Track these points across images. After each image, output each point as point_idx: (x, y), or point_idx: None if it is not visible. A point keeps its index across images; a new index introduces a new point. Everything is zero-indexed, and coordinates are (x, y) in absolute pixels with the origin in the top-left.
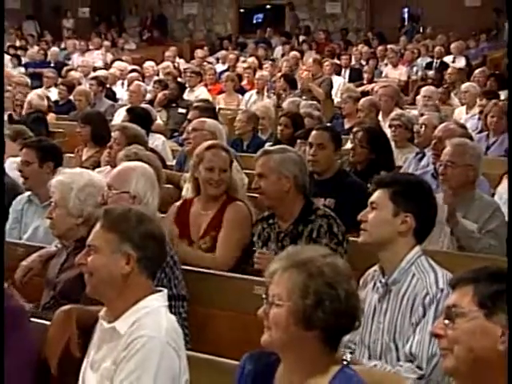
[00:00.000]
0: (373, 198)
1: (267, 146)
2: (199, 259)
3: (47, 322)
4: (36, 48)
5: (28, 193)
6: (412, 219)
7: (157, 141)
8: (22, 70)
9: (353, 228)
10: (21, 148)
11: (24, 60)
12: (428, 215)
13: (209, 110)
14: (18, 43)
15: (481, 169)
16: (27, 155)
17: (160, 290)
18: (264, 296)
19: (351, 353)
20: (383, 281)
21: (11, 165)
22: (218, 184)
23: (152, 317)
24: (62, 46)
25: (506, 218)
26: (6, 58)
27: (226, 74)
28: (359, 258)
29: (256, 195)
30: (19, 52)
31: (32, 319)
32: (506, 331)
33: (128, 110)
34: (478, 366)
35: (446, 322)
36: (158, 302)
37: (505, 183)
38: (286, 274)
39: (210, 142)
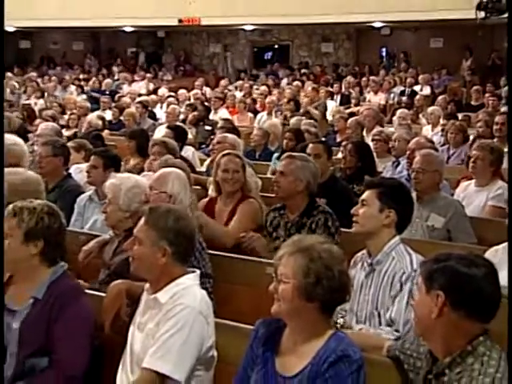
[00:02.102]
0: (363, 196)
1: (275, 156)
2: (215, 226)
3: (103, 294)
4: (95, 79)
5: (89, 192)
6: (394, 214)
7: (188, 151)
8: (84, 96)
9: (342, 222)
10: (91, 154)
11: (86, 89)
12: (407, 211)
13: (232, 129)
14: (81, 76)
15: (444, 174)
16: (95, 161)
17: (194, 271)
18: (274, 275)
19: (342, 317)
20: (369, 261)
21: (75, 170)
22: (233, 182)
23: (188, 291)
24: (115, 77)
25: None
26: (72, 87)
27: (238, 98)
28: (348, 244)
29: (267, 195)
30: (82, 83)
31: (91, 292)
32: (437, 299)
33: (170, 127)
34: (421, 326)
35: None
36: (192, 280)
37: (461, 186)
38: (292, 257)
39: (225, 151)
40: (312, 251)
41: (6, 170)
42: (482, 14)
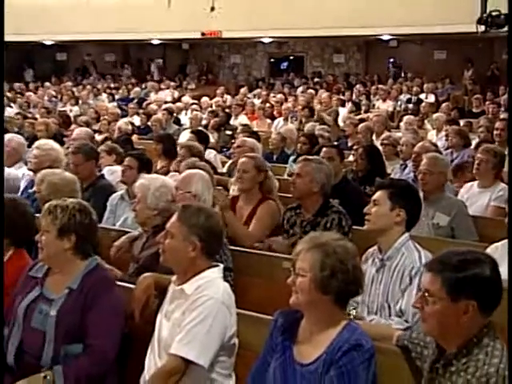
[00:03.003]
0: (375, 196)
1: (292, 158)
2: (238, 227)
3: (132, 286)
4: (124, 88)
5: (121, 192)
6: (404, 213)
7: (210, 154)
8: (115, 104)
9: (353, 220)
10: (122, 157)
11: (116, 97)
12: (415, 210)
13: (252, 134)
14: (112, 85)
15: (448, 176)
16: (131, 162)
17: (218, 265)
18: (292, 269)
19: (355, 309)
20: (380, 257)
21: (108, 171)
22: (241, 180)
23: (212, 283)
24: (143, 86)
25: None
26: (104, 95)
27: (257, 105)
28: (360, 241)
29: (284, 195)
30: (113, 91)
31: (121, 284)
32: (468, 308)
33: (194, 132)
34: (442, 331)
35: (423, 298)
36: (216, 273)
37: (465, 187)
38: (309, 252)
39: (244, 155)
40: (327, 247)
41: (46, 171)
42: (482, 28)
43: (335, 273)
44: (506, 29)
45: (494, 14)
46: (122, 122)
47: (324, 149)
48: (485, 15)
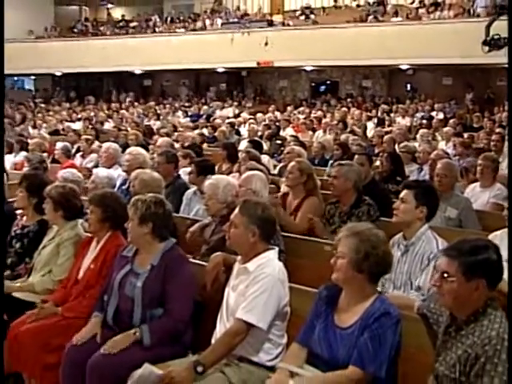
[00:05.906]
0: (402, 194)
1: (330, 162)
2: (288, 220)
3: (205, 264)
4: (196, 106)
5: (193, 188)
6: (426, 209)
7: (264, 159)
8: (188, 119)
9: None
10: (190, 163)
11: (189, 113)
12: (434, 206)
13: (300, 143)
14: (186, 104)
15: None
16: (192, 168)
17: (274, 248)
18: (334, 252)
19: (383, 285)
20: (404, 243)
21: (183, 172)
22: (287, 180)
23: (270, 263)
24: (211, 104)
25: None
26: (179, 112)
27: (301, 120)
28: (385, 230)
29: (324, 192)
30: (187, 109)
31: (195, 261)
32: (479, 286)
33: (250, 141)
34: (457, 304)
35: (442, 278)
36: (272, 254)
37: (469, 187)
38: (348, 239)
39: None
40: (362, 235)
41: (139, 170)
42: (486, 49)
43: (368, 256)
44: (503, 60)
45: (495, 37)
46: (194, 134)
47: (356, 156)
48: (488, 38)
